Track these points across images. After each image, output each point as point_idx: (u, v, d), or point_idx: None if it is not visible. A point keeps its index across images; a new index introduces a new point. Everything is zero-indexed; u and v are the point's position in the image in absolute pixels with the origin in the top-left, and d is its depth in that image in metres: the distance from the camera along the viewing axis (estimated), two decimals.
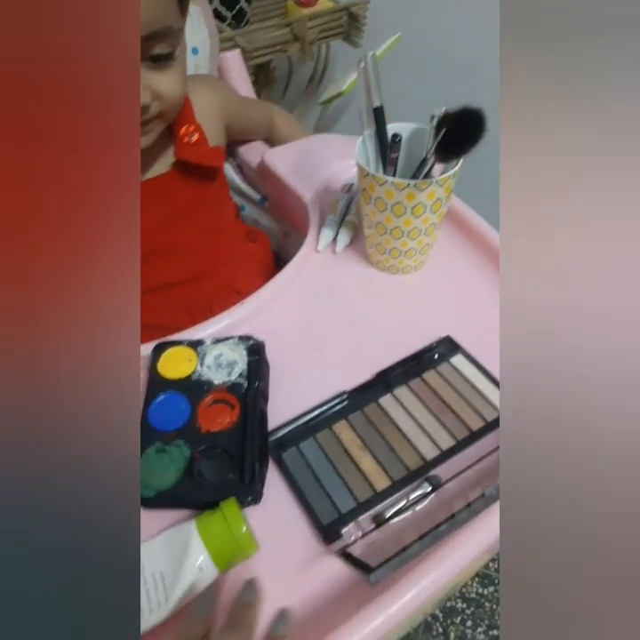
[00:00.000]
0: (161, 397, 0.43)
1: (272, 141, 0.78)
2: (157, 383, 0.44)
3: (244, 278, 0.66)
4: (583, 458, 0.23)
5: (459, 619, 0.83)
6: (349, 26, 1.07)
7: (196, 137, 0.61)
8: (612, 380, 0.23)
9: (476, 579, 0.85)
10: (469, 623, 0.83)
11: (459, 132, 0.41)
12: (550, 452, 0.24)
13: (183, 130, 0.60)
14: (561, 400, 0.24)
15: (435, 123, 0.42)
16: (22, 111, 0.21)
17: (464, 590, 0.84)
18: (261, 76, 1.12)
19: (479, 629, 0.82)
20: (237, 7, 1.00)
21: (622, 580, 0.23)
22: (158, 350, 0.45)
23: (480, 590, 0.84)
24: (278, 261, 0.74)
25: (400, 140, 0.43)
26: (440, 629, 0.82)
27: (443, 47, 1.07)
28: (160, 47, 0.47)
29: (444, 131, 0.40)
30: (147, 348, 0.46)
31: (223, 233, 0.66)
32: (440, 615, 0.83)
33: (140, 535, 0.22)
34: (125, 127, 0.22)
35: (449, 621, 0.82)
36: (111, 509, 0.22)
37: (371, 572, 0.31)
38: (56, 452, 0.21)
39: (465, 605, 0.83)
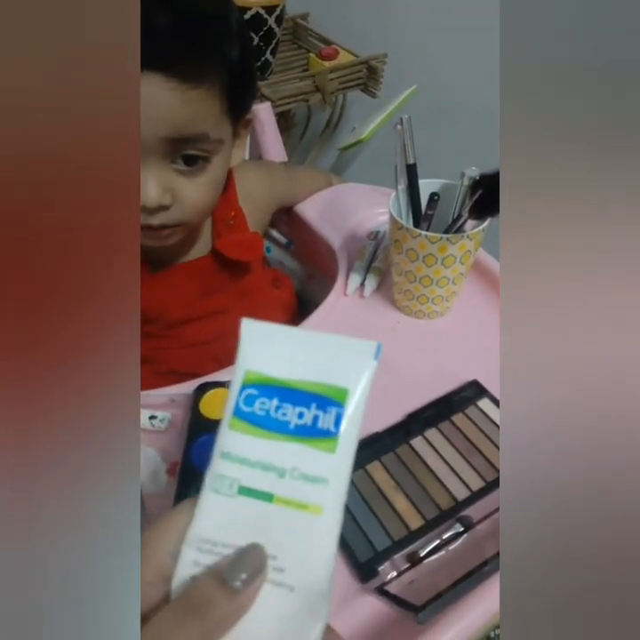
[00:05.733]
0: (203, 438, 0.45)
1: None
2: (199, 423, 0.46)
3: None
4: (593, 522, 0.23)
5: None
6: (368, 78, 1.12)
7: (234, 221, 0.61)
8: (617, 440, 0.23)
9: None
10: None
11: (494, 193, 0.44)
12: (553, 512, 0.24)
13: (224, 214, 0.60)
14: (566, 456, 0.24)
15: (469, 182, 0.45)
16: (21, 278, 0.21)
17: None
18: (282, 121, 1.17)
19: None
20: (263, 59, 1.05)
21: None
22: (200, 390, 0.47)
23: None
24: (301, 302, 0.77)
25: (438, 198, 0.47)
26: None
27: (457, 98, 1.12)
28: (192, 149, 0.45)
29: (480, 192, 0.43)
30: (189, 387, 0.48)
31: (252, 295, 0.66)
32: None
33: None
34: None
35: None
36: None
37: (418, 611, 0.33)
38: None
39: None
